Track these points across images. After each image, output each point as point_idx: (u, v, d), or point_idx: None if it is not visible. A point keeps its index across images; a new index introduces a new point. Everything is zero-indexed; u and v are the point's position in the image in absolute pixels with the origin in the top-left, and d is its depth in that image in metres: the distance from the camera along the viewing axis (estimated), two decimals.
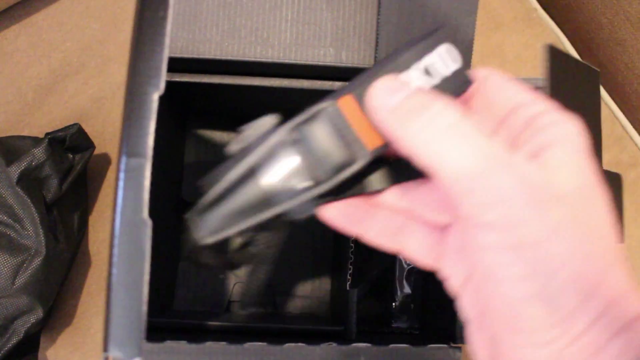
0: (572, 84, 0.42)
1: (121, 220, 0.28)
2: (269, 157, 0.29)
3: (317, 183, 0.29)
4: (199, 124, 0.57)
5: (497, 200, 0.24)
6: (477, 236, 0.25)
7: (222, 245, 0.46)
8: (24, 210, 0.53)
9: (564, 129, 0.26)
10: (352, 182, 0.30)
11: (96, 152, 0.61)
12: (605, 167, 0.41)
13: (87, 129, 0.60)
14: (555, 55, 0.40)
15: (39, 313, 0.54)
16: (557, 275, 0.24)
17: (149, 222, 0.27)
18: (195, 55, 0.44)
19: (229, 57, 0.44)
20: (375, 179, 0.31)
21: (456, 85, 0.28)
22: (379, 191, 0.31)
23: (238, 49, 0.44)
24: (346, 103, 0.29)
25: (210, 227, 0.29)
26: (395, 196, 0.31)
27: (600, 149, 0.44)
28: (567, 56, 0.43)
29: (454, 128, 0.25)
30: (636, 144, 0.68)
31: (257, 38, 0.44)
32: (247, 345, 0.38)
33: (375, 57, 0.44)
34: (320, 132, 0.29)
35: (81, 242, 0.62)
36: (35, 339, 0.58)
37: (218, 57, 0.44)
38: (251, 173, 0.29)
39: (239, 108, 0.54)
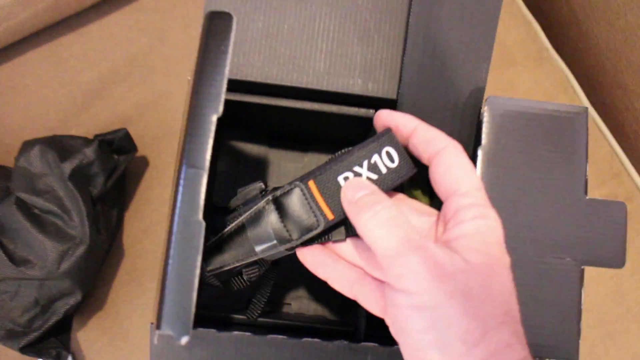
0: None
1: (179, 220, 0.32)
2: (255, 218, 0.40)
3: (289, 240, 0.40)
4: (233, 135, 0.62)
5: (407, 273, 0.33)
6: (394, 297, 0.34)
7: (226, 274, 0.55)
8: (72, 203, 0.59)
9: (479, 224, 0.35)
10: (317, 238, 0.41)
11: (136, 154, 0.67)
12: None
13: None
14: None
15: (77, 296, 0.60)
16: (449, 330, 0.32)
17: (203, 223, 0.32)
18: (238, 77, 0.49)
19: (268, 81, 0.50)
20: (336, 232, 0.41)
21: (398, 175, 0.40)
22: (337, 240, 0.41)
23: (277, 74, 0.50)
24: (312, 184, 0.40)
25: (212, 264, 0.42)
26: (352, 252, 0.41)
27: None
28: None
29: (388, 221, 0.35)
30: (633, 180, 0.73)
31: (295, 66, 0.50)
32: (269, 337, 0.44)
33: (398, 90, 0.50)
34: (295, 203, 0.40)
35: (116, 235, 0.68)
36: (69, 320, 0.64)
37: (259, 80, 0.49)
38: (242, 228, 0.41)
39: (272, 125, 0.60)
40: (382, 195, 0.37)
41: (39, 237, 0.58)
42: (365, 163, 0.39)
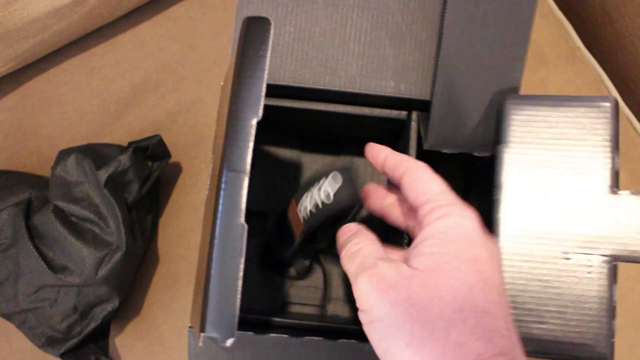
0: None
1: (221, 224, 0.33)
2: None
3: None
4: (266, 140, 0.63)
5: (359, 293, 0.36)
6: (360, 317, 0.37)
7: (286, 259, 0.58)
8: (108, 210, 0.60)
9: (438, 226, 0.37)
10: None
11: (169, 161, 0.68)
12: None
13: None
14: None
15: (115, 302, 0.61)
16: (395, 337, 0.34)
17: (245, 226, 0.33)
18: (271, 82, 0.50)
19: (301, 85, 0.50)
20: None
21: (344, 203, 0.46)
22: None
23: (309, 77, 0.50)
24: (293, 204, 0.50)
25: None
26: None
27: None
28: None
29: (353, 254, 0.39)
30: None
31: (327, 69, 0.50)
32: (306, 339, 0.44)
33: (432, 91, 0.50)
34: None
35: (151, 241, 0.68)
36: (107, 326, 0.64)
37: (291, 84, 0.50)
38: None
39: (304, 129, 0.60)
40: (359, 233, 0.42)
41: (77, 245, 0.59)
42: (316, 189, 0.47)
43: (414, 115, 0.52)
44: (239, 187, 0.33)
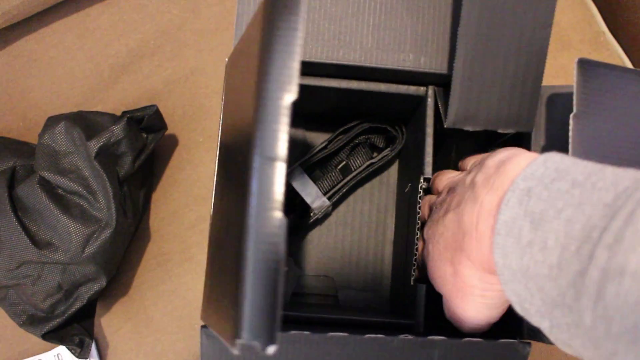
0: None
1: (255, 217, 0.28)
2: None
3: None
4: None
5: None
6: None
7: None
8: (98, 184, 0.55)
9: None
10: None
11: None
12: None
13: None
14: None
15: (102, 282, 0.57)
16: None
17: (285, 221, 0.28)
18: None
19: (312, 59, 0.46)
20: None
21: None
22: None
23: (322, 51, 0.46)
24: None
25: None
26: None
27: None
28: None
29: None
30: None
31: (340, 42, 0.46)
32: (330, 335, 0.40)
33: (450, 64, 0.46)
34: None
35: (142, 217, 0.64)
36: (93, 305, 0.61)
37: (302, 59, 0.45)
38: None
39: (317, 108, 0.56)
40: None
41: (63, 219, 0.55)
42: None
43: (431, 90, 0.48)
44: (274, 176, 0.28)
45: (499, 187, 0.35)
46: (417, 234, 0.48)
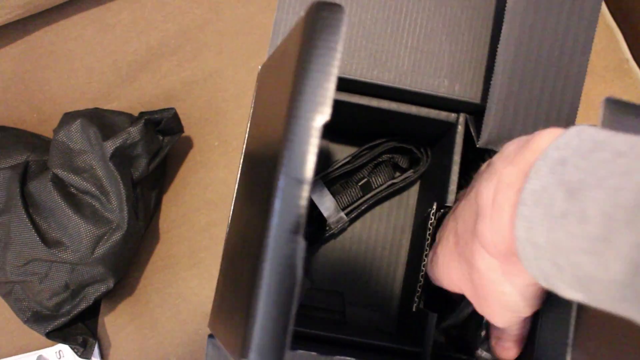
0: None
1: (276, 237, 0.28)
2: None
3: None
4: None
5: None
6: None
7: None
8: (111, 185, 0.55)
9: None
10: None
11: None
12: None
13: None
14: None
15: (109, 284, 0.56)
16: None
17: (304, 245, 0.28)
18: None
19: (346, 76, 0.45)
20: None
21: None
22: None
23: (356, 69, 0.45)
24: None
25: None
26: None
27: None
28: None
29: None
30: None
31: (376, 61, 0.45)
32: (337, 358, 0.40)
33: (483, 93, 0.45)
34: None
35: (152, 218, 0.64)
36: (98, 305, 0.60)
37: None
38: None
39: (344, 122, 0.55)
40: None
41: (74, 219, 0.54)
42: None
43: (462, 118, 0.48)
44: (298, 198, 0.28)
45: (520, 160, 0.32)
46: (425, 261, 0.48)
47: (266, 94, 0.38)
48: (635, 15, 0.71)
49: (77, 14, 0.67)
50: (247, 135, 0.43)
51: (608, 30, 0.70)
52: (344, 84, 0.46)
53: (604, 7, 0.70)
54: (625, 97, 0.68)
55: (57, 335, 0.56)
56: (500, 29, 0.42)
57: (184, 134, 0.65)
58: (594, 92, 0.68)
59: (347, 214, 0.56)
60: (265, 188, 0.30)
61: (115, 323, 0.63)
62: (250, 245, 0.31)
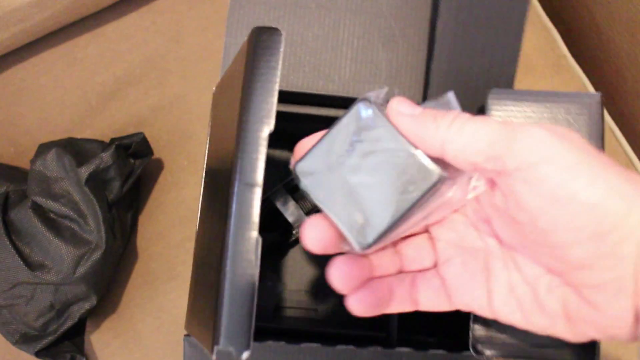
0: None
1: (234, 235, 0.32)
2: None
3: None
4: None
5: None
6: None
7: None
8: (88, 208, 0.58)
9: None
10: None
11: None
12: None
13: None
14: None
15: (92, 301, 0.60)
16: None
17: (259, 239, 0.32)
18: None
19: (294, 89, 0.49)
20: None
21: None
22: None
23: (302, 82, 0.49)
24: None
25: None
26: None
27: None
28: None
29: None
30: None
31: (320, 73, 0.50)
32: (303, 345, 0.43)
33: (424, 95, 0.49)
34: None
35: (130, 238, 0.67)
36: (83, 323, 0.63)
37: (284, 89, 0.49)
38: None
39: (301, 132, 0.59)
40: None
41: (55, 242, 0.57)
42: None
43: None
44: (252, 200, 0.32)
45: None
46: None
47: (220, 112, 0.43)
48: (567, 14, 0.76)
49: (47, 50, 0.71)
50: (207, 152, 0.47)
51: (545, 31, 0.75)
52: (294, 97, 0.50)
53: (540, 9, 0.75)
54: (565, 90, 0.73)
55: (46, 354, 0.59)
56: (434, 35, 0.47)
57: (154, 157, 0.69)
58: (536, 88, 0.72)
59: None
60: (224, 195, 0.34)
61: (100, 340, 0.66)
62: (214, 247, 0.35)
